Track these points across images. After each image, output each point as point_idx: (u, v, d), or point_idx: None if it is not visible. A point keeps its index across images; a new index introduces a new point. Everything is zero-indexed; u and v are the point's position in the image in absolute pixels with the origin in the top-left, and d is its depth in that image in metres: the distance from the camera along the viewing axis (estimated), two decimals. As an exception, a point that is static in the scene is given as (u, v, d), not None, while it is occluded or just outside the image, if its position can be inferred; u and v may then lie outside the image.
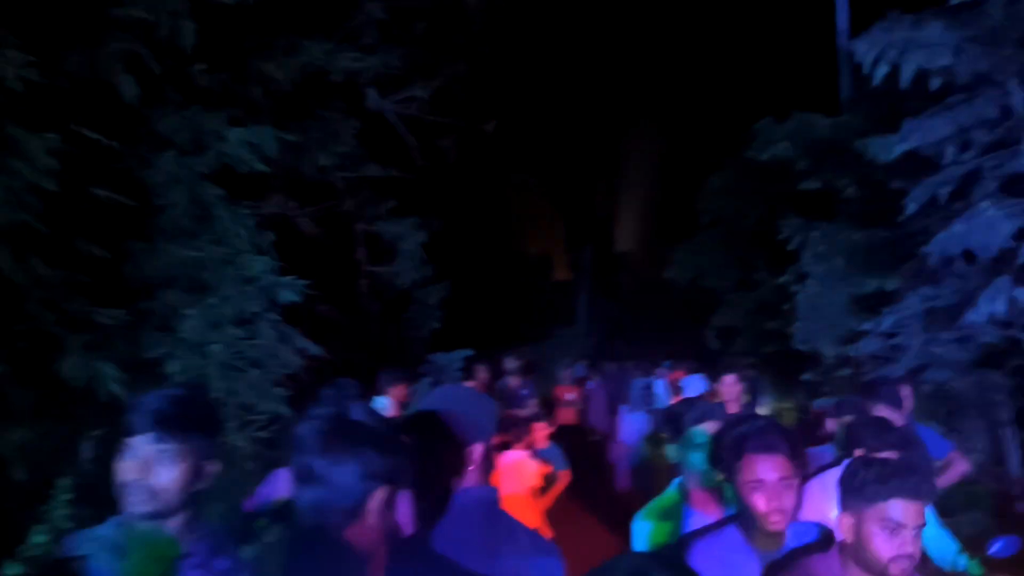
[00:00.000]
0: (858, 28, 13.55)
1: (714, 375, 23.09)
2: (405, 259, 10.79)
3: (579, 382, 16.65)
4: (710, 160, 22.98)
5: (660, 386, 20.11)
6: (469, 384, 9.40)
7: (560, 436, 14.38)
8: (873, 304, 10.81)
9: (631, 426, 18.50)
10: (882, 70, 7.99)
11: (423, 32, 10.12)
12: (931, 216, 9.61)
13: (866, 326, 9.61)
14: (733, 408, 7.40)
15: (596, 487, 12.50)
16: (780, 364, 17.73)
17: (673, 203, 25.59)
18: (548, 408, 14.29)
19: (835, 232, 11.42)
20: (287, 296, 7.09)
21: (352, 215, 10.62)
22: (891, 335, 9.55)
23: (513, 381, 11.69)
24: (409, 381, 8.21)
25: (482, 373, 11.73)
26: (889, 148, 9.03)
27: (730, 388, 7.46)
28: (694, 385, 21.73)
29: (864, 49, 7.99)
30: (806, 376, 14.35)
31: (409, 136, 10.35)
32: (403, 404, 8.13)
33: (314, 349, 7.85)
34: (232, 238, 6.81)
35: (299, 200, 10.03)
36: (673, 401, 19.07)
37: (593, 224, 30.23)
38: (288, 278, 7.17)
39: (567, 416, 14.63)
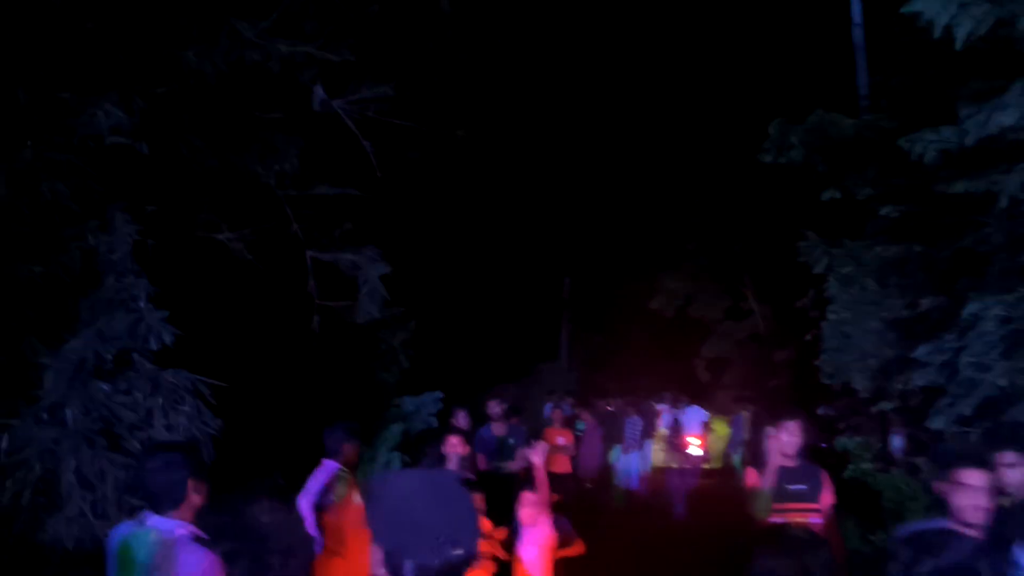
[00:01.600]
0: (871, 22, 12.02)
1: (713, 408, 21.15)
2: (364, 292, 8.81)
3: (568, 422, 14.57)
4: (697, 180, 21.29)
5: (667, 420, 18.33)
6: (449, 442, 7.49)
7: (554, 489, 12.43)
8: (914, 329, 8.98)
9: (627, 466, 16.59)
10: (964, 28, 6.09)
11: (377, 17, 8.24)
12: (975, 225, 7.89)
13: (920, 352, 7.72)
14: (789, 462, 5.55)
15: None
16: (785, 397, 15.89)
17: (657, 229, 23.78)
18: (536, 455, 12.36)
19: (863, 250, 9.57)
20: (166, 337, 5.11)
21: (300, 241, 8.66)
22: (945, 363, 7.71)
23: (498, 428, 9.73)
24: (361, 438, 6.30)
25: (462, 419, 9.77)
26: (944, 140, 7.26)
27: (791, 440, 5.56)
28: (694, 416, 19.93)
29: (936, 7, 6.09)
30: (821, 411, 12.51)
31: (366, 143, 8.39)
32: (354, 465, 6.22)
33: (210, 421, 5.78)
34: (103, 253, 4.84)
35: (233, 222, 8.07)
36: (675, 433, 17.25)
37: (573, 255, 28.31)
38: (158, 313, 5.15)
39: (560, 464, 12.60)
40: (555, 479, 12.66)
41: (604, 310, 28.14)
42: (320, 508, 5.86)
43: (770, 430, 5.80)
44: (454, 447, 7.90)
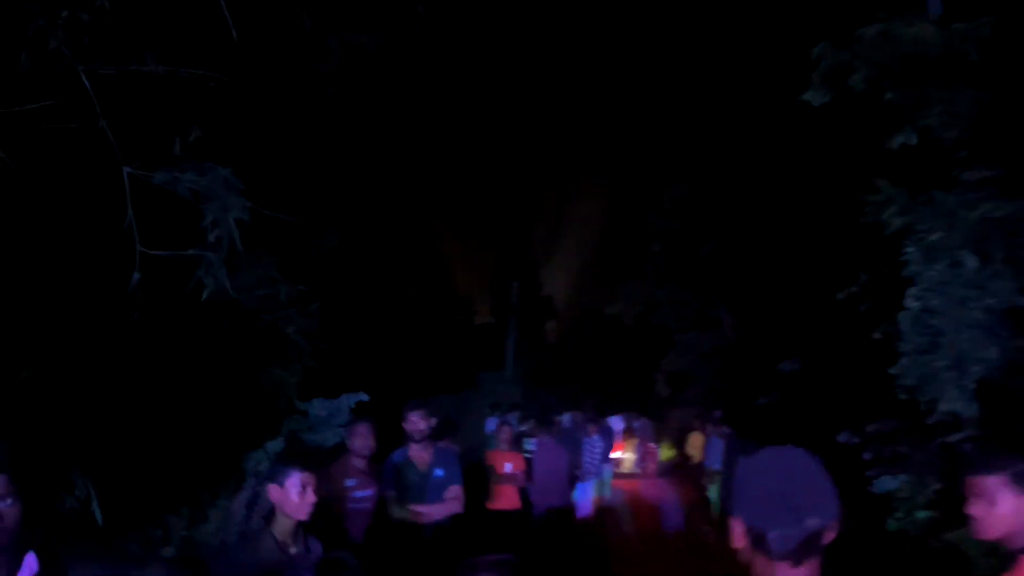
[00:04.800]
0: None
1: (665, 428, 17.86)
2: (211, 238, 5.32)
3: (516, 442, 11.05)
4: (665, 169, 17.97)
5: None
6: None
7: (502, 535, 9.02)
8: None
9: (584, 496, 13.24)
10: None
11: None
12: None
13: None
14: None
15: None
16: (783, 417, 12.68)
17: (617, 230, 20.57)
18: (479, 483, 8.92)
19: (961, 207, 6.34)
20: None
21: (113, 149, 5.15)
22: None
23: (419, 453, 6.21)
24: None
25: (361, 436, 6.16)
26: None
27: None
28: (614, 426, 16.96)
29: None
30: (843, 437, 9.33)
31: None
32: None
33: None
34: None
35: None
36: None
37: (521, 261, 25.10)
38: None
39: (507, 498, 9.18)
40: (503, 520, 9.31)
41: (556, 317, 24.93)
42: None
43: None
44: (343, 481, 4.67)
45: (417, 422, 6.17)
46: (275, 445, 7.48)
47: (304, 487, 3.64)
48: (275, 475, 3.61)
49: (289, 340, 8.77)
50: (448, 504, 6.12)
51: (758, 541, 1.92)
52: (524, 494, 9.62)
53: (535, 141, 20.10)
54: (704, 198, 16.67)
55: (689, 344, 19.87)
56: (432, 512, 5.99)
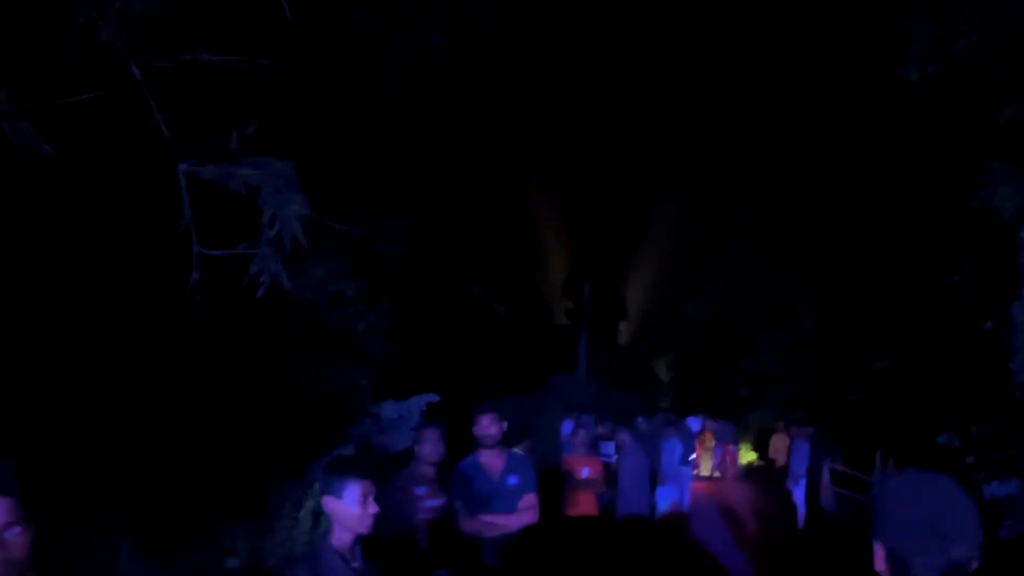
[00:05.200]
0: None
1: (746, 429, 17.24)
2: (270, 234, 5.05)
3: (593, 446, 10.65)
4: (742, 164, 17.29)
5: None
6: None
7: (579, 546, 8.64)
8: None
9: (663, 502, 12.79)
10: None
11: None
12: None
13: None
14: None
15: None
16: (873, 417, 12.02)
17: (694, 229, 19.98)
18: (553, 490, 8.55)
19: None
20: None
21: (168, 144, 4.93)
22: None
23: (491, 459, 5.85)
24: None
25: (430, 442, 5.83)
26: None
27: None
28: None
29: None
30: (943, 439, 8.73)
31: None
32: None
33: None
34: None
35: (27, 98, 4.38)
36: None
37: (595, 262, 24.68)
38: None
39: (584, 504, 8.81)
40: (580, 528, 8.92)
41: (630, 317, 24.42)
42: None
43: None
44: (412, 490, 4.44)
45: (488, 427, 5.79)
46: (346, 451, 7.23)
47: (364, 497, 3.32)
48: (331, 486, 3.29)
49: (359, 340, 8.52)
50: (523, 514, 5.73)
51: (901, 568, 1.89)
52: (602, 500, 9.24)
53: (609, 141, 19.71)
54: (785, 190, 16.02)
55: (769, 343, 19.20)
56: (505, 523, 5.63)
